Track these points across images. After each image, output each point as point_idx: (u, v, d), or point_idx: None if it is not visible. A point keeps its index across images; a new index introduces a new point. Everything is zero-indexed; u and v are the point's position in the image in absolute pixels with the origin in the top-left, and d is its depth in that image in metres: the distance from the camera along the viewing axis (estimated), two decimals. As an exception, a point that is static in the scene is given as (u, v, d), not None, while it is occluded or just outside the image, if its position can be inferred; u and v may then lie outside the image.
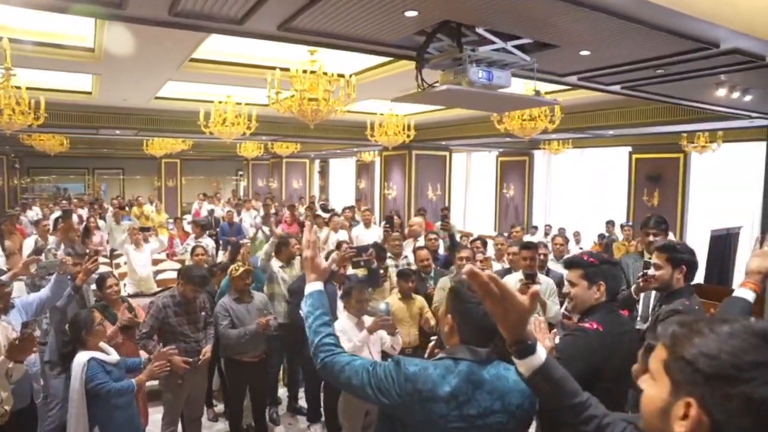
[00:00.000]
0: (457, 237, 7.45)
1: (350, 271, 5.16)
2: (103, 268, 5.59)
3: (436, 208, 12.54)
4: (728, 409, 0.88)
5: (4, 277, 3.96)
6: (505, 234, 9.63)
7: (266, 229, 12.32)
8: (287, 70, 5.25)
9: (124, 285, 7.53)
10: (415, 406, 1.68)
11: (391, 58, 6.06)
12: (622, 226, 9.84)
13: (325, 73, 5.19)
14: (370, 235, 9.45)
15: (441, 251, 6.76)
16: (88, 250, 5.31)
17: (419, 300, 5.08)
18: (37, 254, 5.21)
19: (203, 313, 4.60)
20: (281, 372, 5.82)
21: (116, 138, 14.37)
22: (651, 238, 4.23)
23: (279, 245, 5.59)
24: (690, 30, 2.98)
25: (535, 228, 12.53)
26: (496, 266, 6.33)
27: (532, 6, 2.70)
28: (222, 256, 8.39)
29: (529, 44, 3.28)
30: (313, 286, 1.95)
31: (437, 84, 2.92)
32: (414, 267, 6.56)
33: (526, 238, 8.65)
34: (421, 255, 5.66)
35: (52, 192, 21.40)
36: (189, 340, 4.38)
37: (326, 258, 2.07)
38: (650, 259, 4.43)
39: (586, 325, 2.42)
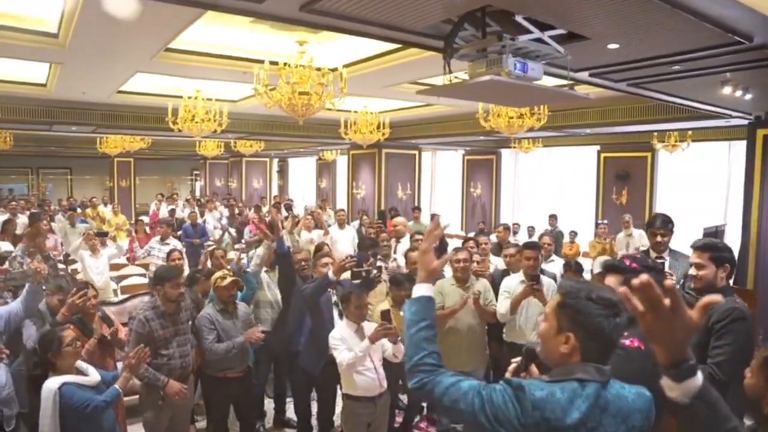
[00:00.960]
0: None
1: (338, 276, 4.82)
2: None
3: (407, 208, 12.37)
4: None
5: None
6: (474, 233, 9.60)
7: (233, 230, 11.91)
8: (275, 63, 4.90)
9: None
10: None
11: (382, 51, 5.92)
12: (597, 224, 9.90)
13: (318, 69, 4.88)
14: (344, 235, 9.18)
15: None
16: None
17: None
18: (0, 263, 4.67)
19: (190, 323, 4.23)
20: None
21: (65, 135, 13.52)
22: (659, 238, 4.15)
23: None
24: (731, 19, 2.85)
25: (518, 225, 12.43)
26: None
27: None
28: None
29: (559, 36, 3.09)
30: (422, 289, 1.69)
31: (478, 75, 2.69)
32: (404, 269, 6.38)
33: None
34: (413, 257, 5.42)
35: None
36: (177, 356, 3.97)
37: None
38: (657, 258, 4.38)
39: (627, 342, 2.22)
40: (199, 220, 11.42)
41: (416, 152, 13.56)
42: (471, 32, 3.02)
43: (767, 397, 1.53)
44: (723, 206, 10.77)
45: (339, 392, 4.92)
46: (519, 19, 2.75)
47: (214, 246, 8.45)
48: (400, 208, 12.14)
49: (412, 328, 1.65)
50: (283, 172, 23.39)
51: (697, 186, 11.03)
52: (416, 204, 13.01)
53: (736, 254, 4.65)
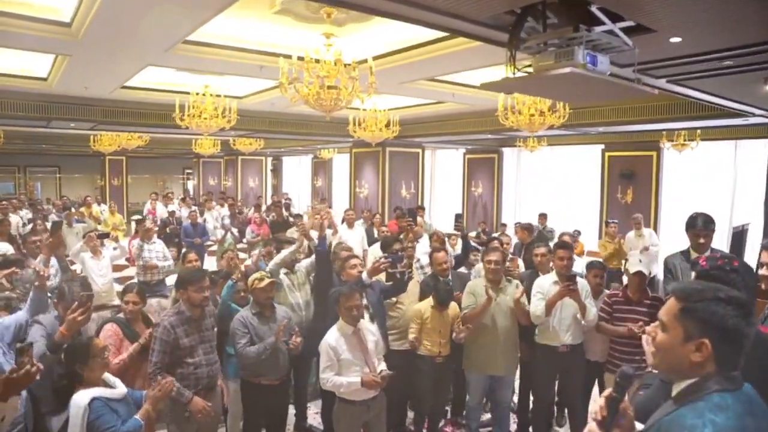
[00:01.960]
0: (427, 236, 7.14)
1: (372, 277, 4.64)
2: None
3: (411, 207, 12.21)
4: None
5: None
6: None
7: (235, 230, 11.68)
8: (302, 58, 4.71)
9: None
10: None
11: (401, 47, 5.76)
12: (607, 223, 9.81)
13: (347, 64, 4.70)
14: (353, 235, 9.00)
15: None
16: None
17: (453, 308, 4.69)
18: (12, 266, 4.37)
19: (215, 330, 4.02)
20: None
21: (56, 132, 13.15)
22: (701, 240, 4.04)
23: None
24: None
25: (504, 225, 12.33)
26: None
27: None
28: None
29: (627, 28, 2.95)
30: None
31: (556, 66, 2.53)
32: (426, 269, 6.23)
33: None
34: (440, 258, 5.23)
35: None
36: (203, 364, 3.74)
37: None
38: (699, 256, 4.27)
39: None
40: (199, 220, 11.18)
41: (420, 151, 13.41)
42: (532, 24, 2.86)
43: None
44: (729, 205, 10.75)
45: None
46: (594, 9, 2.60)
47: (225, 247, 8.23)
48: (404, 206, 11.98)
49: None
50: (276, 171, 23.11)
51: (703, 185, 11.00)
52: (420, 203, 12.86)
53: (756, 253, 4.58)
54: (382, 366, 3.90)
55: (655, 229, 11.05)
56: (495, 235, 8.75)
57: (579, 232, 10.88)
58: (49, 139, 15.08)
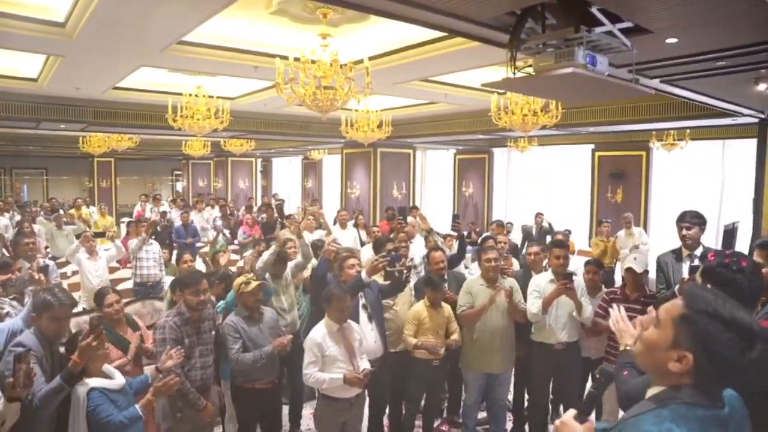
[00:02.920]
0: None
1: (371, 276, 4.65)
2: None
3: (402, 206, 12.24)
4: None
5: None
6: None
7: (227, 232, 11.64)
8: (298, 59, 4.72)
9: (79, 298, 6.67)
10: None
11: (397, 48, 5.79)
12: (600, 222, 9.91)
13: (343, 65, 4.71)
14: (346, 235, 9.02)
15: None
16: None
17: (447, 309, 4.73)
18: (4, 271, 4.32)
19: (213, 333, 4.00)
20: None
21: (44, 134, 13.04)
22: (684, 231, 4.10)
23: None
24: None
25: (510, 224, 12.38)
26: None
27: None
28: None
29: (625, 29, 3.00)
30: None
31: (557, 67, 2.56)
32: (419, 269, 6.25)
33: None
34: (436, 257, 5.27)
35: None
36: (198, 367, 3.73)
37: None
38: (688, 255, 4.33)
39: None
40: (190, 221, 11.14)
41: (411, 151, 13.45)
42: (531, 25, 2.90)
43: None
44: (718, 204, 10.90)
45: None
46: (594, 10, 2.63)
47: (217, 248, 8.20)
48: (396, 207, 12.01)
49: None
50: (266, 172, 23.04)
51: (692, 184, 11.14)
52: (411, 203, 12.89)
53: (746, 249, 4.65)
54: (365, 364, 3.92)
55: (645, 228, 11.17)
56: (486, 234, 8.79)
57: (570, 232, 10.96)
58: (36, 140, 14.93)
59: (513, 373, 5.04)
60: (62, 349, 3.16)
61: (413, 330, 4.55)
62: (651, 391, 1.45)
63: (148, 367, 3.90)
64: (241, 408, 4.18)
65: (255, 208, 13.89)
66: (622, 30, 2.97)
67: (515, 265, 5.88)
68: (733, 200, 10.47)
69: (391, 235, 5.99)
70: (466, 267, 6.90)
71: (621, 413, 1.61)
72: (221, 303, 4.70)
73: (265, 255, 5.11)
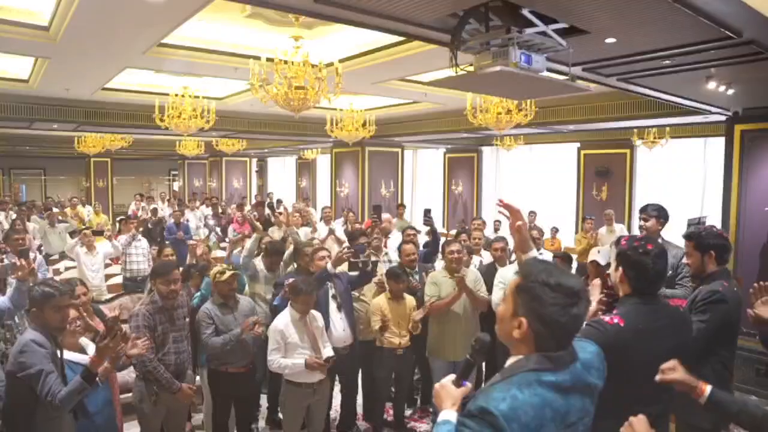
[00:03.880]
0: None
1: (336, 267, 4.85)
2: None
3: (390, 205, 12.44)
4: None
5: None
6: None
7: (218, 230, 11.87)
8: (271, 59, 4.93)
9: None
10: None
11: (374, 48, 5.99)
12: (584, 219, 10.13)
13: (314, 65, 4.92)
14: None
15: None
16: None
17: (410, 300, 4.94)
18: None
19: (187, 320, 4.20)
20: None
21: (40, 134, 13.27)
22: (641, 222, 4.31)
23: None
24: (725, 15, 2.98)
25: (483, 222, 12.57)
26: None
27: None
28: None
29: (560, 30, 3.20)
30: (447, 414, 1.62)
31: (487, 66, 2.76)
32: (393, 263, 6.45)
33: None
34: (408, 250, 5.49)
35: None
36: (172, 352, 3.92)
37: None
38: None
39: (607, 318, 2.33)
40: (182, 219, 11.36)
41: (399, 150, 13.65)
42: (475, 26, 3.10)
43: None
44: (700, 201, 11.09)
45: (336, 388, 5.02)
46: (525, 12, 2.84)
47: (196, 242, 8.45)
48: (384, 205, 12.21)
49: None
50: (262, 172, 23.27)
51: (675, 181, 11.33)
52: (400, 202, 13.09)
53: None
54: (329, 351, 4.12)
55: (629, 225, 11.37)
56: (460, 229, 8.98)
57: (557, 229, 11.16)
58: (33, 140, 15.16)
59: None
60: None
61: (378, 321, 4.76)
62: (507, 363, 1.61)
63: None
64: (215, 390, 4.40)
65: (248, 207, 14.13)
66: (560, 30, 3.18)
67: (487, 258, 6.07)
68: (715, 197, 10.64)
69: (365, 237, 6.19)
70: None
71: None
72: (197, 294, 4.91)
73: (248, 243, 5.37)
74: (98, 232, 7.57)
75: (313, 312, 4.21)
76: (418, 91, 8.06)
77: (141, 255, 7.70)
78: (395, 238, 7.14)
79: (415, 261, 5.47)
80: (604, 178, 11.94)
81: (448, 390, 1.66)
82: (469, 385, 1.68)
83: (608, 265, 5.09)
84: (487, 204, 14.99)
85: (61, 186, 20.29)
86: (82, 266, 7.00)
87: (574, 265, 7.85)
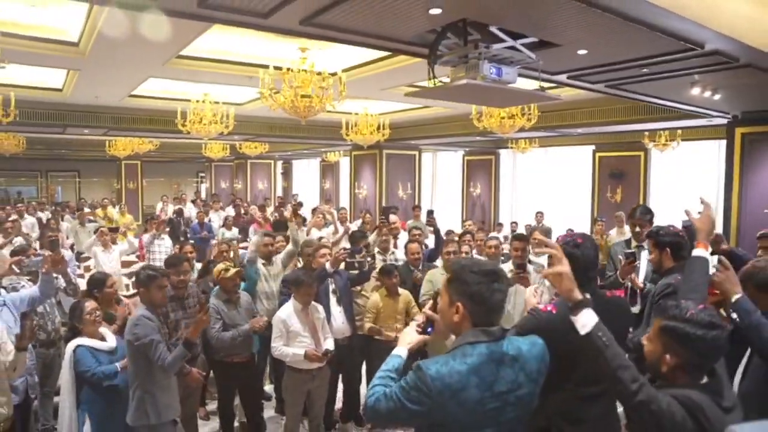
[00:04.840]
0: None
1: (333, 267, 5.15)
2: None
3: (407, 207, 12.73)
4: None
5: None
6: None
7: (236, 231, 12.31)
8: (279, 68, 5.29)
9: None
10: (449, 403, 1.74)
11: (380, 56, 6.30)
12: (595, 221, 10.26)
13: (319, 73, 5.27)
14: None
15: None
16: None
17: (405, 295, 5.18)
18: (19, 254, 5.06)
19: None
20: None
21: (74, 138, 13.97)
22: (637, 228, 4.51)
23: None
24: (681, 31, 3.21)
25: (501, 225, 12.83)
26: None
27: (543, 5, 2.88)
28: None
29: (533, 43, 3.46)
30: (398, 350, 1.99)
31: (458, 78, 3.06)
32: (400, 263, 6.74)
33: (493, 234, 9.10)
34: (413, 248, 5.79)
35: (1, 195, 20.53)
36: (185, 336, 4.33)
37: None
38: (637, 246, 4.74)
39: (542, 306, 2.58)
40: (205, 219, 11.90)
41: (416, 153, 13.94)
42: (453, 41, 3.39)
43: (663, 359, 1.87)
44: (714, 203, 11.08)
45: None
46: (493, 29, 3.11)
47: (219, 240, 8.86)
48: (401, 207, 12.51)
49: (383, 370, 1.93)
50: (287, 174, 23.82)
51: (689, 184, 11.35)
52: (416, 203, 13.37)
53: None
54: (329, 343, 4.43)
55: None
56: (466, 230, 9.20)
57: (572, 231, 11.27)
58: (68, 144, 15.94)
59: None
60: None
61: (372, 318, 5.05)
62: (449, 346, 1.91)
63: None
64: (221, 379, 4.76)
65: (271, 208, 14.60)
66: (533, 44, 3.45)
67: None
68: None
69: (370, 234, 6.51)
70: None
71: None
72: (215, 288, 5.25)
73: (255, 238, 5.73)
74: (114, 229, 8.01)
75: (315, 304, 4.53)
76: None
77: (164, 253, 8.13)
78: (403, 239, 7.42)
79: (420, 259, 5.75)
80: (618, 181, 12.02)
81: (407, 332, 2.01)
82: (431, 333, 2.00)
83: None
84: (504, 206, 15.17)
85: (95, 188, 21.18)
86: (99, 263, 7.44)
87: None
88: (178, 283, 4.27)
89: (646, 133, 10.16)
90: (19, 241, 7.17)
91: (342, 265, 5.01)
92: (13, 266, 4.23)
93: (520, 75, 4.02)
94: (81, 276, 7.10)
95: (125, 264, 8.85)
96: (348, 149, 14.28)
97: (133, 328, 3.40)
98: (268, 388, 5.84)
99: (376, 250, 6.66)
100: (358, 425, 5.27)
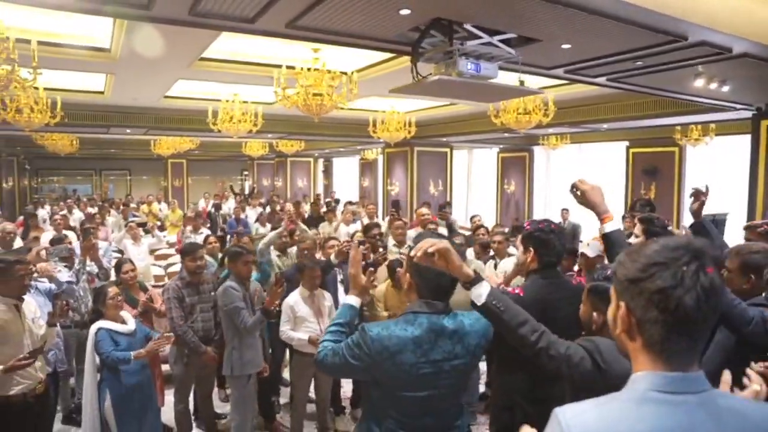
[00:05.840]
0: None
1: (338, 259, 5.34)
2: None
3: (438, 204, 12.86)
4: (639, 305, 1.10)
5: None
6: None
7: (269, 226, 12.74)
8: (292, 68, 5.56)
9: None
10: (386, 363, 1.91)
11: (393, 55, 6.48)
12: (623, 217, 10.10)
13: (329, 71, 5.50)
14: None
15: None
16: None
17: None
18: (56, 244, 5.55)
19: (213, 294, 4.84)
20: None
21: (124, 138, 14.78)
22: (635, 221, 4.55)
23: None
24: (657, 24, 3.27)
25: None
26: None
27: (513, 3, 3.01)
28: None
29: (516, 39, 3.58)
30: (349, 299, 2.17)
31: (430, 75, 3.22)
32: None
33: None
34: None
35: (60, 193, 21.86)
36: (199, 321, 4.53)
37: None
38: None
39: (509, 289, 2.70)
40: (242, 215, 12.39)
41: (448, 150, 14.04)
42: (439, 38, 3.55)
43: (593, 319, 2.01)
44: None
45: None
46: (468, 27, 3.26)
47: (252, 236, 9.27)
48: (433, 203, 12.64)
49: (335, 323, 2.11)
50: (328, 172, 24.30)
51: (725, 179, 11.00)
52: (447, 200, 13.48)
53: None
54: None
55: (678, 224, 11.15)
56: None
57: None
58: (117, 144, 16.86)
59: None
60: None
61: (381, 308, 5.24)
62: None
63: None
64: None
65: (307, 204, 15.01)
66: (519, 39, 3.57)
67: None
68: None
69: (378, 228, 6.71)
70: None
71: None
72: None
73: (271, 235, 6.02)
74: (142, 224, 8.56)
75: (323, 291, 4.76)
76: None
77: None
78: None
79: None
80: (652, 177, 11.79)
81: (358, 280, 2.19)
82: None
83: (598, 257, 5.41)
84: (538, 203, 15.06)
85: (144, 185, 22.23)
86: (129, 255, 7.91)
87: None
88: (195, 269, 4.58)
89: (678, 127, 9.94)
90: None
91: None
92: (41, 253, 4.64)
93: (522, 71, 4.16)
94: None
95: (161, 257, 9.41)
96: (382, 147, 14.52)
97: (223, 296, 4.09)
98: (287, 374, 6.11)
99: (392, 242, 6.87)
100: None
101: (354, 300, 2.16)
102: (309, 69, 5.58)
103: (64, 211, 11.27)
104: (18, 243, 7.05)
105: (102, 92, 8.70)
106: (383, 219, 10.80)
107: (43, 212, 13.34)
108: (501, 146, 15.36)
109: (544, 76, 4.39)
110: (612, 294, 1.21)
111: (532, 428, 1.44)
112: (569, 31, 3.49)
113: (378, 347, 1.91)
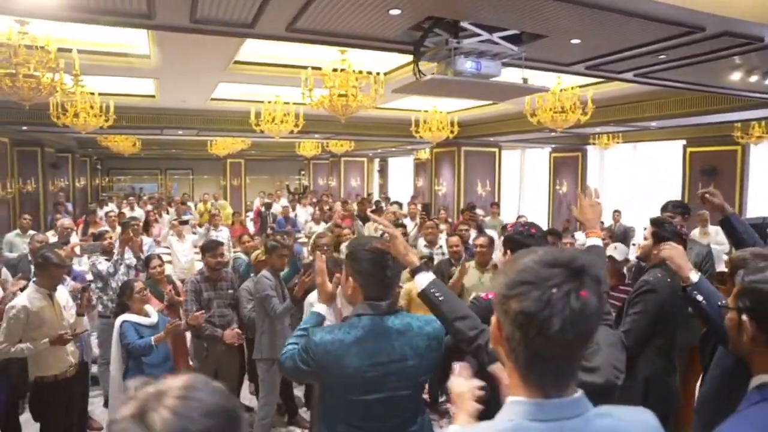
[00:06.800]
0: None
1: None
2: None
3: (486, 204, 12.68)
4: (506, 323, 1.04)
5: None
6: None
7: (323, 224, 12.99)
8: (319, 68, 5.66)
9: (172, 271, 8.27)
10: (331, 367, 1.91)
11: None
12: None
13: (360, 72, 5.57)
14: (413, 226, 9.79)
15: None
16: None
17: None
18: (97, 239, 5.90)
19: (230, 291, 4.99)
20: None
21: (182, 139, 15.47)
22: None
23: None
24: (666, 15, 3.12)
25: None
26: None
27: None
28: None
29: (522, 35, 3.50)
30: (316, 306, 2.22)
31: (426, 74, 3.21)
32: (447, 256, 6.90)
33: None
34: (452, 242, 5.95)
35: (127, 191, 23.17)
36: (216, 315, 4.71)
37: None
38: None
39: (483, 295, 2.69)
40: (291, 214, 12.70)
41: (496, 150, 13.83)
42: (442, 37, 3.53)
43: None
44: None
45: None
46: (465, 24, 3.23)
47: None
48: (479, 204, 12.49)
49: (301, 328, 2.14)
50: (383, 172, 24.52)
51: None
52: (496, 200, 13.27)
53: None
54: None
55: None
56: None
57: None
58: (177, 145, 17.67)
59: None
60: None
61: (405, 305, 5.26)
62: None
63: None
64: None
65: (355, 204, 15.19)
66: (527, 35, 3.50)
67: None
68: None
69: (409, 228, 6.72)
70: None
71: None
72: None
73: (320, 228, 6.17)
74: (184, 222, 8.93)
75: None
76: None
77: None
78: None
79: (459, 253, 5.88)
80: (711, 177, 11.11)
81: (324, 288, 2.22)
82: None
83: (625, 260, 5.19)
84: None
85: (205, 184, 23.17)
86: (174, 251, 8.30)
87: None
88: (215, 265, 4.76)
89: (738, 125, 9.36)
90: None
91: None
92: (75, 249, 4.98)
93: (535, 68, 4.08)
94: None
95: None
96: (431, 147, 14.48)
97: (256, 285, 4.44)
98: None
99: (423, 243, 6.87)
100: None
101: (321, 307, 2.20)
102: (335, 70, 5.66)
103: (122, 209, 11.94)
104: (74, 239, 7.59)
105: (153, 96, 9.15)
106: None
107: (107, 209, 14.23)
108: (553, 146, 14.96)
109: (564, 72, 4.27)
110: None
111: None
112: (574, 26, 3.39)
113: (321, 351, 1.92)
